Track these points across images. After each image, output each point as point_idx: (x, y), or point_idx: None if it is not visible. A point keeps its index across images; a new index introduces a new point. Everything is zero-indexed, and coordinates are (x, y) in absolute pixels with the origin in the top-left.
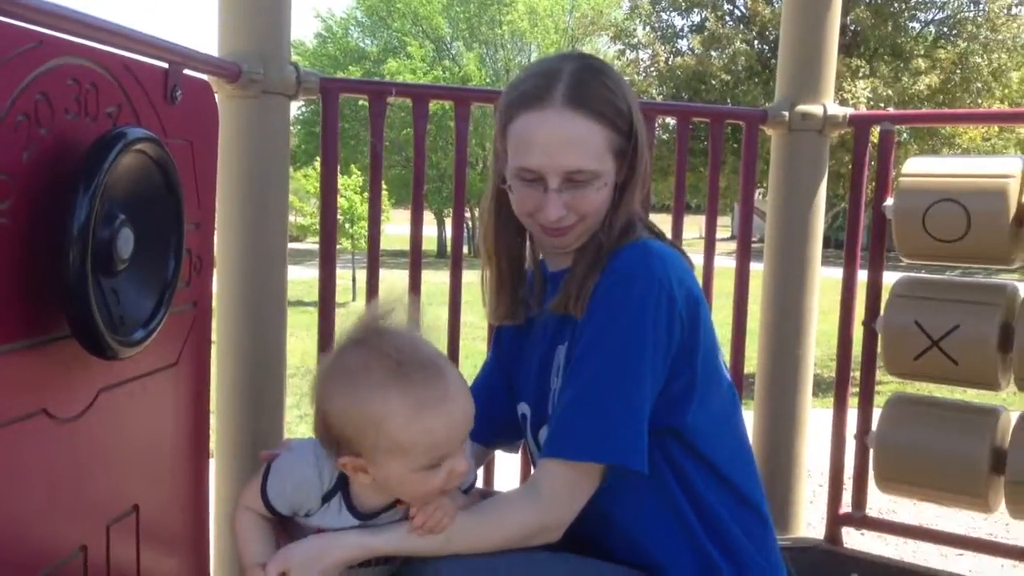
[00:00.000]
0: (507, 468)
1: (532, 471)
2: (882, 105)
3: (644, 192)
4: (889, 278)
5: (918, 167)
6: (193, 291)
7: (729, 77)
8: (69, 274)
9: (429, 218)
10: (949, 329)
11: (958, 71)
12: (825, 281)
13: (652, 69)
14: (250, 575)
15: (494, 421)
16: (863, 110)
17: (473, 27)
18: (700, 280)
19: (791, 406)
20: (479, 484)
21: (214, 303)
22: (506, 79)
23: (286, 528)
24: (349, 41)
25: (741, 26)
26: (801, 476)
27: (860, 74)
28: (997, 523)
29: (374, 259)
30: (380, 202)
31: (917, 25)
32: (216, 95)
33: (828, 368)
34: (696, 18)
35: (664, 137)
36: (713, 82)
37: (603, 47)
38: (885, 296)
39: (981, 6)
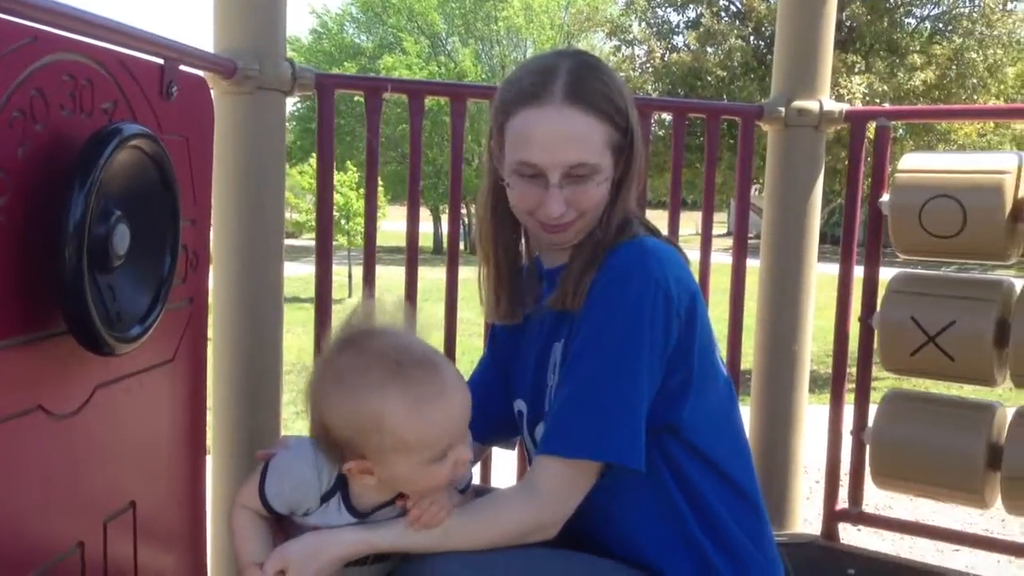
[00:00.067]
0: (505, 466)
1: (528, 468)
2: (878, 101)
3: (640, 189)
4: (885, 274)
5: (914, 163)
6: (189, 287)
7: (725, 73)
8: (65, 270)
9: (425, 214)
10: (945, 325)
11: (954, 67)
12: (821, 277)
13: (648, 65)
14: (247, 574)
15: (491, 418)
16: (859, 106)
17: (469, 23)
18: (696, 276)
19: (787, 402)
20: (476, 481)
21: (210, 300)
22: (502, 75)
23: (282, 527)
24: (344, 37)
25: (737, 22)
26: (798, 472)
27: (856, 70)
28: (993, 519)
29: (370, 255)
30: (376, 198)
31: (913, 21)
32: (212, 91)
33: (824, 364)
34: (692, 14)
35: (660, 133)
36: (709, 78)
37: (599, 43)
38: (881, 292)
39: (976, 2)
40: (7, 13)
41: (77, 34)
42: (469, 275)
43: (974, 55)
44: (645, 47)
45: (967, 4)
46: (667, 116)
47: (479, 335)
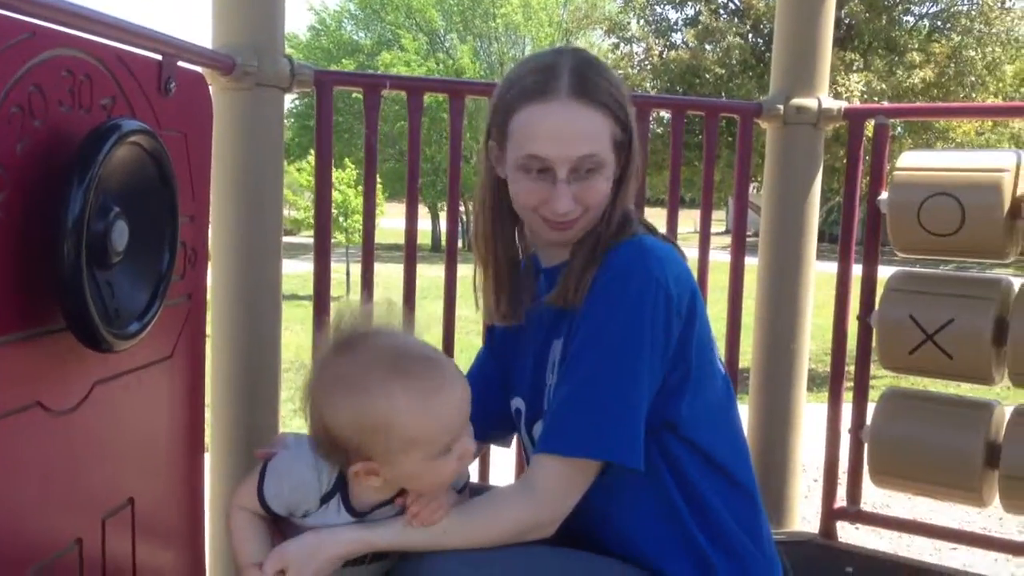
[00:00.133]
0: (503, 463)
1: (526, 466)
2: (876, 99)
3: (636, 187)
4: (883, 272)
5: (912, 161)
6: (188, 284)
7: (723, 71)
8: (64, 267)
9: (423, 212)
10: (944, 323)
11: (952, 65)
12: (820, 275)
13: (646, 63)
14: (247, 575)
15: (488, 415)
16: (857, 104)
17: (467, 20)
18: (694, 275)
19: (786, 401)
20: (474, 479)
21: (208, 296)
22: (500, 71)
23: (279, 527)
24: (342, 34)
25: (735, 20)
26: (796, 471)
27: (854, 68)
28: (991, 517)
29: (369, 253)
30: (375, 196)
31: (911, 19)
32: (210, 87)
33: (823, 363)
34: (690, 11)
35: (659, 131)
36: (707, 76)
37: (597, 40)
38: (880, 290)
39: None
40: (5, 9)
41: (75, 30)
42: (468, 272)
43: (972, 53)
44: (643, 44)
45: (965, 2)
46: (666, 114)
47: (477, 333)
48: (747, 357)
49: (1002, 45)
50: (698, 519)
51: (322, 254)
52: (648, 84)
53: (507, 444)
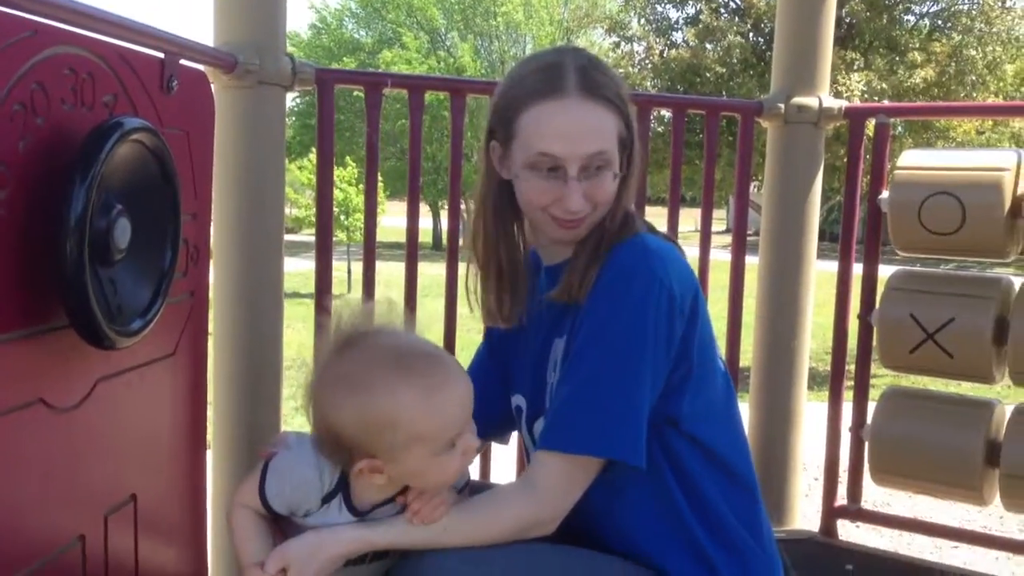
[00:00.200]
0: (504, 461)
1: (527, 464)
2: (876, 98)
3: (637, 186)
4: (884, 271)
5: (913, 160)
6: (190, 281)
7: (724, 70)
8: (66, 264)
9: (424, 210)
10: (944, 322)
11: (953, 64)
12: (820, 274)
13: (647, 62)
14: (248, 574)
15: (488, 412)
16: (858, 103)
17: (468, 18)
18: (695, 274)
19: (786, 399)
20: (475, 476)
21: (210, 294)
22: (501, 70)
23: (280, 526)
24: (344, 32)
25: (736, 18)
26: (796, 469)
27: (855, 67)
28: (991, 516)
29: (370, 251)
30: (376, 194)
31: (912, 18)
32: (212, 85)
33: (823, 361)
34: (691, 10)
35: (660, 130)
36: (708, 74)
37: (598, 39)
38: (880, 289)
39: None
40: (8, 6)
41: (78, 28)
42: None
43: (973, 52)
44: (644, 43)
45: (966, 1)
46: (666, 112)
47: (478, 331)
48: (748, 356)
49: (1003, 44)
50: (698, 515)
51: (323, 252)
52: (649, 83)
53: (505, 441)
